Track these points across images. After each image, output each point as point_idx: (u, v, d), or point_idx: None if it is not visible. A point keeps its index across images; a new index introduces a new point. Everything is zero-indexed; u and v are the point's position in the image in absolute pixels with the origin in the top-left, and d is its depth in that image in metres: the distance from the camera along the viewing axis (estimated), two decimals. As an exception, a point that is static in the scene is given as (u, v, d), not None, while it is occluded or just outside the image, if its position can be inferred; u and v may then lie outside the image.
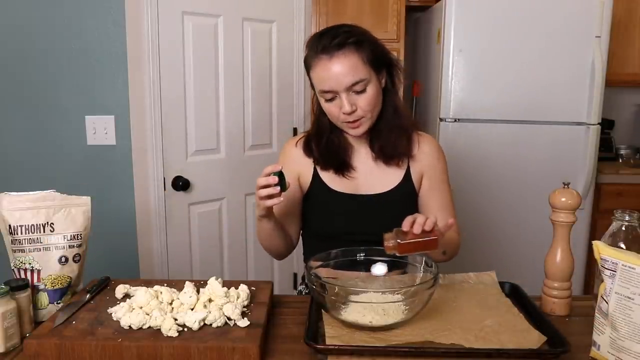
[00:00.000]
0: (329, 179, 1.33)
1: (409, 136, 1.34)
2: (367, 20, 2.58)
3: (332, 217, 1.33)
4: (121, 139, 2.13)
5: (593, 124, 2.49)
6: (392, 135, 1.30)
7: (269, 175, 1.10)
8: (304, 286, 1.47)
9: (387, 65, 1.28)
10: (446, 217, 1.30)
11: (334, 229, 1.32)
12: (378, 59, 1.23)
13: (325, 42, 1.19)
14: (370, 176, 1.33)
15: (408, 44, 2.86)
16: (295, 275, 2.76)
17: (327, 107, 1.24)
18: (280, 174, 1.10)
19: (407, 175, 1.33)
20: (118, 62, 2.08)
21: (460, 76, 2.48)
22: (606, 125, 3.02)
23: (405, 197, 1.33)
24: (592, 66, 2.43)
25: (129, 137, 2.13)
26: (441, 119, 2.53)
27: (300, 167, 1.36)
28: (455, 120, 2.52)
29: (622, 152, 3.15)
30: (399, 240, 1.03)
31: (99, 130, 2.12)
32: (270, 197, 1.10)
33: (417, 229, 1.03)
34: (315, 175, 1.34)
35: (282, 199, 1.11)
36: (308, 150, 1.35)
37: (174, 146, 2.23)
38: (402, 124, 1.31)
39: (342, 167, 1.32)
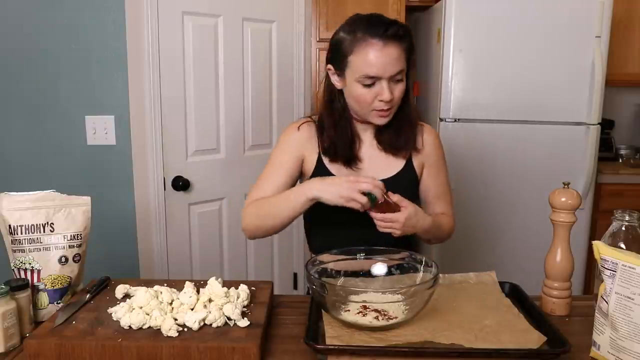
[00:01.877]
0: (335, 169, 1.33)
1: (416, 129, 1.36)
2: (367, 20, 2.58)
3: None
4: (121, 139, 2.13)
5: (593, 124, 2.49)
6: (403, 129, 1.33)
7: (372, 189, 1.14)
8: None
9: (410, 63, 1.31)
10: (443, 205, 1.41)
11: (336, 216, 1.31)
12: (411, 55, 1.27)
13: (380, 29, 1.20)
14: (374, 163, 1.34)
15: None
16: (295, 275, 2.77)
17: (362, 92, 1.24)
18: (373, 198, 1.14)
19: (409, 162, 1.36)
20: (118, 62, 2.08)
21: (460, 76, 2.48)
22: (606, 125, 3.02)
23: (407, 183, 1.35)
24: (592, 66, 2.43)
25: (129, 137, 2.13)
26: (441, 119, 2.53)
27: (303, 151, 1.35)
28: (455, 120, 2.52)
29: (622, 152, 3.14)
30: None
31: (99, 130, 2.12)
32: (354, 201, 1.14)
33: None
34: (319, 161, 1.34)
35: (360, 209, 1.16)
36: (319, 133, 1.34)
37: (174, 146, 2.23)
38: (412, 118, 1.34)
39: (351, 160, 1.33)
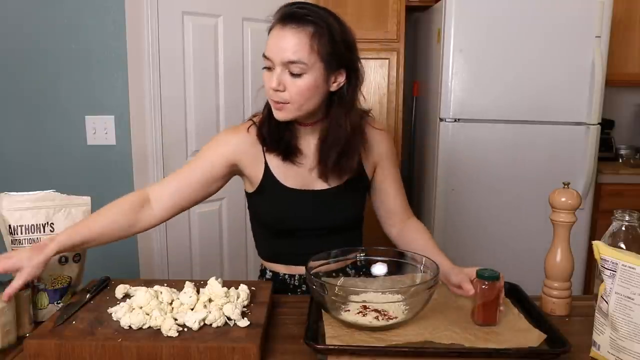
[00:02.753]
0: (280, 173, 1.26)
1: (353, 154, 1.25)
2: (367, 20, 2.58)
3: (284, 213, 1.28)
4: (121, 139, 2.13)
5: (593, 124, 2.49)
6: (342, 159, 1.22)
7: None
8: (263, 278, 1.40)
9: (347, 69, 1.18)
10: (402, 201, 1.37)
11: (286, 224, 1.29)
12: (335, 56, 1.13)
13: (286, 12, 1.13)
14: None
15: (408, 44, 2.86)
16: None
17: (264, 77, 1.17)
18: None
19: (360, 168, 1.29)
20: (118, 62, 2.08)
21: (460, 76, 2.48)
22: (606, 125, 3.02)
23: (355, 190, 1.30)
24: (592, 66, 2.43)
25: (129, 137, 2.13)
26: (441, 119, 2.53)
27: (241, 156, 1.26)
28: (455, 120, 2.52)
29: (622, 152, 3.14)
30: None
31: (99, 130, 2.12)
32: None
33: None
34: (267, 170, 1.26)
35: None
36: (260, 134, 1.24)
37: (174, 146, 2.23)
38: (353, 143, 1.23)
39: (289, 152, 1.24)
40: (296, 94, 1.13)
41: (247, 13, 2.37)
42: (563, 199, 1.10)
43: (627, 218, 1.03)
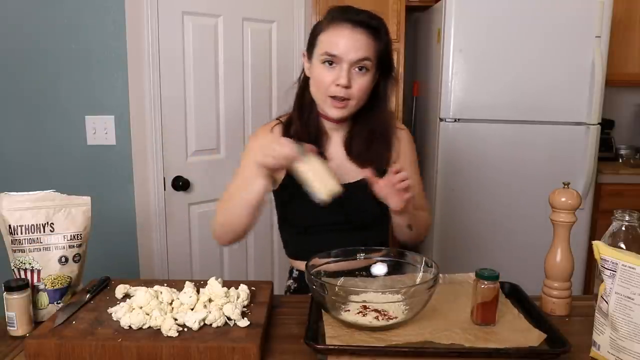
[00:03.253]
0: None
1: (390, 144, 1.33)
2: (367, 20, 2.58)
3: (306, 209, 1.29)
4: (121, 139, 2.13)
5: (593, 124, 2.49)
6: (374, 142, 1.30)
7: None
8: (292, 281, 1.43)
9: (386, 70, 1.28)
10: (419, 200, 1.37)
11: (309, 220, 1.31)
12: (384, 59, 1.25)
13: (352, 13, 1.21)
14: (342, 166, 1.32)
15: (408, 44, 2.86)
16: (295, 275, 2.76)
17: (322, 73, 1.21)
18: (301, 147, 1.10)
19: (383, 162, 1.32)
20: (118, 62, 2.08)
21: (460, 76, 2.48)
22: (606, 125, 3.02)
23: None
24: (592, 66, 2.43)
25: (129, 137, 2.13)
26: (441, 119, 2.53)
27: None
28: (455, 120, 2.52)
29: (622, 152, 3.14)
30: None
31: (99, 130, 2.12)
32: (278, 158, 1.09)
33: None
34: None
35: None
36: (287, 132, 1.30)
37: (174, 146, 2.23)
38: (386, 131, 1.31)
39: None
40: (359, 90, 1.21)
41: (247, 13, 2.37)
42: (563, 199, 1.10)
43: (627, 218, 1.03)
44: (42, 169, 2.11)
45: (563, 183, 1.13)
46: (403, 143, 1.38)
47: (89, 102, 2.10)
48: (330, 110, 1.24)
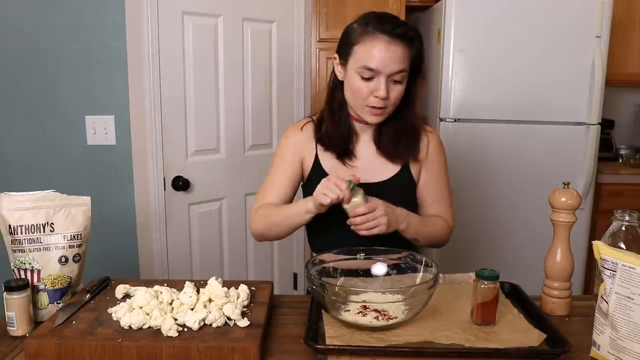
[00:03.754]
0: (330, 166, 1.34)
1: (418, 138, 1.35)
2: (367, 20, 2.58)
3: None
4: (121, 139, 2.13)
5: (593, 124, 2.49)
6: (403, 137, 1.33)
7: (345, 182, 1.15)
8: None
9: (416, 71, 1.30)
10: (440, 209, 1.38)
11: (333, 216, 1.31)
12: (417, 62, 1.27)
13: (389, 26, 1.22)
14: (370, 164, 1.34)
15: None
16: (295, 275, 2.76)
17: (359, 85, 1.24)
18: (353, 186, 1.16)
19: (406, 167, 1.35)
20: (118, 62, 2.08)
21: (460, 76, 2.48)
22: (606, 125, 3.02)
23: (403, 188, 1.35)
24: (592, 66, 2.43)
25: (129, 137, 2.13)
26: (441, 119, 2.53)
27: (303, 152, 1.37)
28: (455, 120, 2.52)
29: (622, 152, 3.14)
30: None
31: (99, 130, 2.12)
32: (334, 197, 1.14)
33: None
34: (317, 162, 1.34)
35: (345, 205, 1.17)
36: (317, 128, 1.35)
37: (174, 146, 2.23)
38: (414, 126, 1.34)
39: (345, 153, 1.34)
40: (396, 98, 1.25)
41: (247, 13, 2.37)
42: (563, 199, 1.10)
43: (627, 218, 1.03)
44: (42, 169, 2.11)
45: (563, 183, 1.13)
46: (432, 145, 1.39)
47: (89, 102, 2.10)
48: (369, 117, 1.28)
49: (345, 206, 1.18)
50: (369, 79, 1.23)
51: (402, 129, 1.33)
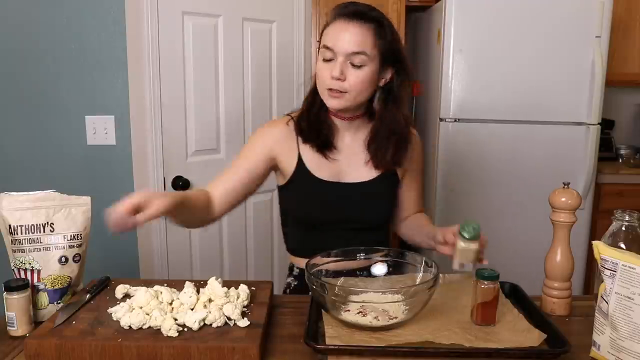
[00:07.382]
0: (313, 164, 1.30)
1: (408, 146, 1.33)
2: (367, 20, 2.58)
3: (313, 205, 1.31)
4: (121, 139, 2.13)
5: (593, 124, 2.49)
6: (392, 147, 1.30)
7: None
8: (292, 278, 1.42)
9: (396, 66, 1.27)
10: (419, 205, 1.44)
11: (316, 216, 1.31)
12: (390, 52, 1.23)
13: (352, 9, 1.21)
14: (353, 163, 1.32)
15: (408, 44, 2.86)
16: (295, 275, 2.76)
17: (320, 67, 1.24)
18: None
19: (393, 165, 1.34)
20: (118, 62, 2.08)
21: (460, 76, 2.48)
22: (606, 125, 3.02)
23: (387, 187, 1.35)
24: (592, 66, 2.43)
25: (129, 137, 2.13)
26: (441, 119, 2.53)
27: (278, 149, 1.32)
28: (455, 120, 2.52)
29: (622, 152, 3.14)
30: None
31: (99, 130, 2.12)
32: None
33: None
34: (300, 161, 1.31)
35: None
36: (298, 127, 1.32)
37: (174, 146, 2.23)
38: (404, 136, 1.31)
39: (325, 145, 1.30)
40: (355, 84, 1.21)
41: (247, 13, 2.37)
42: (563, 199, 1.10)
43: (627, 218, 1.03)
44: (42, 169, 2.11)
45: (563, 183, 1.13)
46: (417, 147, 1.39)
47: (89, 102, 2.10)
48: (328, 100, 1.25)
49: (465, 247, 1.13)
50: (329, 60, 1.21)
51: (392, 136, 1.29)
